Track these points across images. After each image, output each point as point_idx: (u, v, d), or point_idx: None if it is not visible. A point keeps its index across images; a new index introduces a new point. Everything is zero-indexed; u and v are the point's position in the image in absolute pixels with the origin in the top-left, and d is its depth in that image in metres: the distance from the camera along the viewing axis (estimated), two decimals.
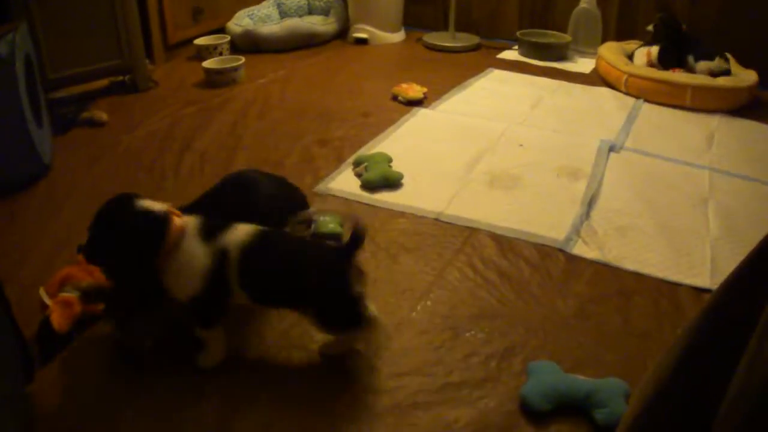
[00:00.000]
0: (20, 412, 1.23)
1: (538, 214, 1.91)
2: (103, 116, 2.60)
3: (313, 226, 1.75)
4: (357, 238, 1.29)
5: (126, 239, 1.25)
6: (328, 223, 1.79)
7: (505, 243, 1.77)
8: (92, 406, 1.28)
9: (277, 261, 1.30)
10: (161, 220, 1.26)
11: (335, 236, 1.75)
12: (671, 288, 1.61)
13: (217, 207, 1.45)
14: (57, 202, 1.99)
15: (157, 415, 1.26)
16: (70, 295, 1.48)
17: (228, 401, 1.28)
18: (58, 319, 1.43)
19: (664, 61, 2.88)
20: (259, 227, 1.32)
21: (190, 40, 3.38)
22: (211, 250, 1.27)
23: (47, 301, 1.47)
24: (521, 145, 2.35)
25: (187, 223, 1.29)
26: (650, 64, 2.92)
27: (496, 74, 3.14)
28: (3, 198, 2.00)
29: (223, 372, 1.35)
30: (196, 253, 1.27)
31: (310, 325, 1.35)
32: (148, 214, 1.26)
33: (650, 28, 3.00)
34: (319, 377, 1.34)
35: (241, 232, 1.30)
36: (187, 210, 1.35)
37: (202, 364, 1.36)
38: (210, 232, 1.29)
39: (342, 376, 1.34)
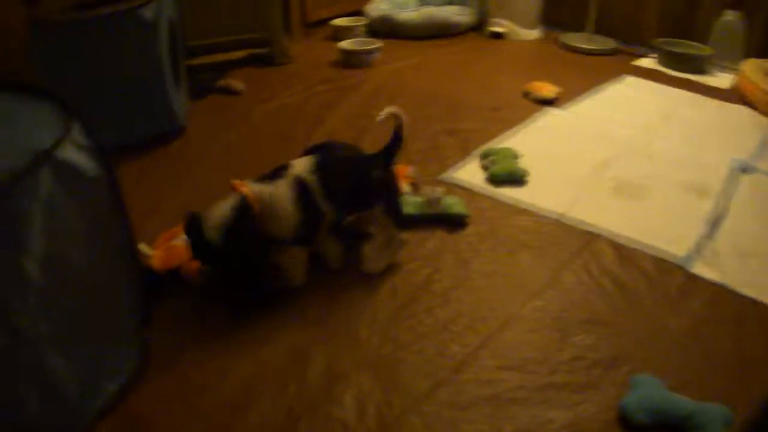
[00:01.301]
0: (135, 354, 1.31)
1: (661, 228, 1.89)
2: (239, 85, 2.72)
3: (439, 206, 1.85)
4: (398, 136, 1.55)
5: (241, 231, 1.39)
6: (455, 205, 1.85)
7: (624, 252, 1.77)
8: (205, 353, 1.38)
9: (346, 168, 1.55)
10: (241, 203, 1.40)
11: (461, 217, 1.84)
12: None
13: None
14: (188, 162, 2.12)
15: (271, 368, 1.35)
16: (177, 242, 1.58)
17: (331, 369, 1.35)
18: (158, 259, 1.54)
19: None
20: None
21: (327, 20, 3.48)
22: (287, 185, 1.44)
23: (148, 251, 1.57)
24: (650, 156, 2.32)
25: (250, 185, 1.43)
26: None
27: (631, 81, 3.09)
28: (139, 152, 2.16)
29: (330, 341, 1.42)
30: (276, 194, 1.43)
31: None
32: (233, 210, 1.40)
33: None
34: (422, 357, 1.39)
35: (300, 162, 1.50)
36: None
37: (296, 282, 1.55)
38: (270, 176, 1.47)
39: (447, 362, 1.39)
